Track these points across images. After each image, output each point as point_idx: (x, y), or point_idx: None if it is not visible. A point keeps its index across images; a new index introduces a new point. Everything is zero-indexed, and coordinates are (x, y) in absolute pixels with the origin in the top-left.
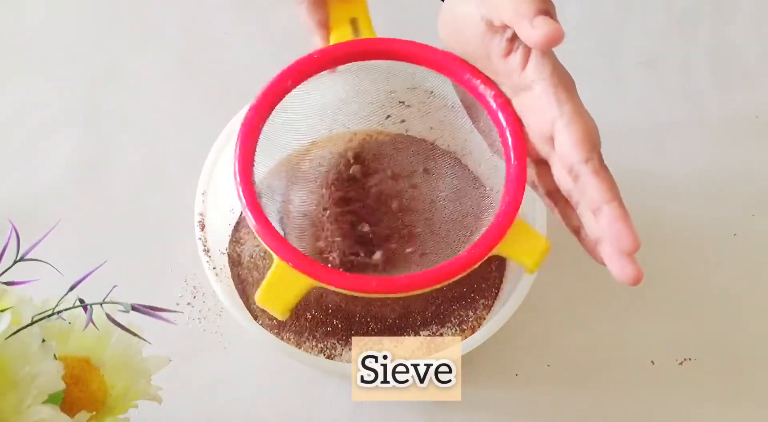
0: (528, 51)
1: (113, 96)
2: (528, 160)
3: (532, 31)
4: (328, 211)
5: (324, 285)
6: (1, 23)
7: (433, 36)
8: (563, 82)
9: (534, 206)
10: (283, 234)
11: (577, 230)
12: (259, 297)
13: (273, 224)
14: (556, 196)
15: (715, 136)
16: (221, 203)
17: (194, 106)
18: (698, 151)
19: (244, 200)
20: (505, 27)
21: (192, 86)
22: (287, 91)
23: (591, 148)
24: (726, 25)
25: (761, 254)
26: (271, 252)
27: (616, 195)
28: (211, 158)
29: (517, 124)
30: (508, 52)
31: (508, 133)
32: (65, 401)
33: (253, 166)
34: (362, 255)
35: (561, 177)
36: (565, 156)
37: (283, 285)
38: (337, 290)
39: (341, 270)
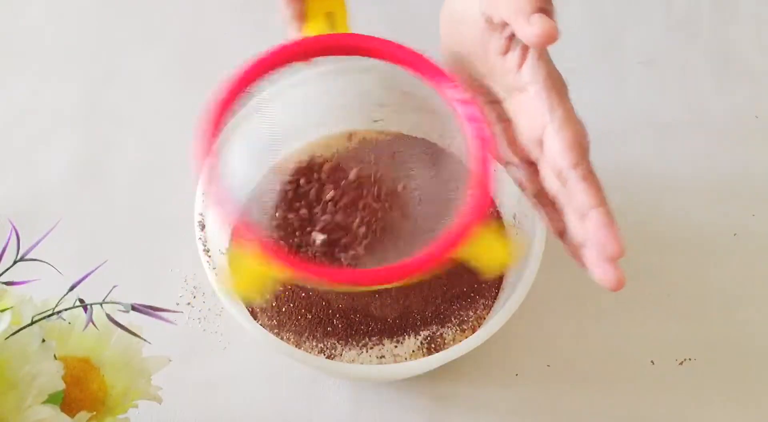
0: (525, 51)
1: (113, 96)
2: (517, 161)
3: (528, 28)
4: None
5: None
6: (1, 23)
7: (433, 35)
8: (557, 86)
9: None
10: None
11: (561, 233)
12: (235, 284)
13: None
14: (543, 198)
15: (715, 136)
16: None
17: (194, 106)
18: (698, 151)
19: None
20: (504, 25)
21: (192, 86)
22: (255, 78)
23: (580, 154)
24: (726, 25)
25: (761, 254)
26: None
27: (602, 200)
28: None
29: (486, 133)
30: (506, 51)
31: (477, 143)
32: (65, 401)
33: (215, 144)
34: (345, 247)
35: (549, 180)
36: (554, 160)
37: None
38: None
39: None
